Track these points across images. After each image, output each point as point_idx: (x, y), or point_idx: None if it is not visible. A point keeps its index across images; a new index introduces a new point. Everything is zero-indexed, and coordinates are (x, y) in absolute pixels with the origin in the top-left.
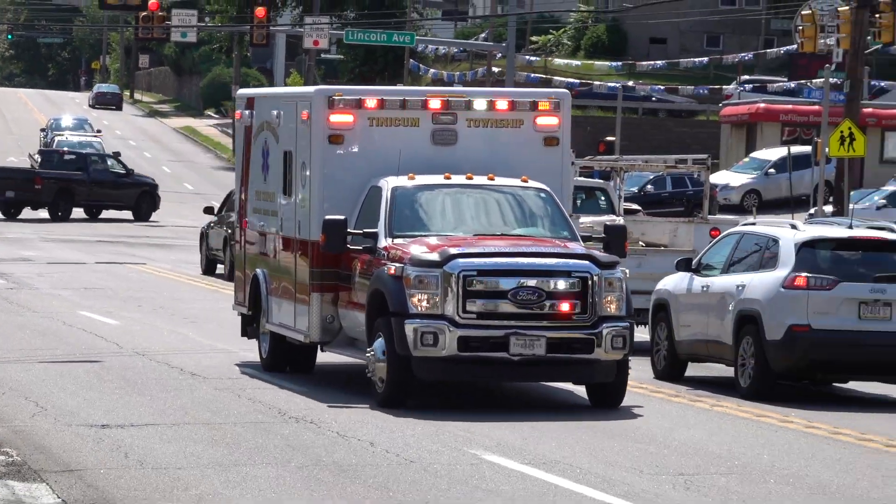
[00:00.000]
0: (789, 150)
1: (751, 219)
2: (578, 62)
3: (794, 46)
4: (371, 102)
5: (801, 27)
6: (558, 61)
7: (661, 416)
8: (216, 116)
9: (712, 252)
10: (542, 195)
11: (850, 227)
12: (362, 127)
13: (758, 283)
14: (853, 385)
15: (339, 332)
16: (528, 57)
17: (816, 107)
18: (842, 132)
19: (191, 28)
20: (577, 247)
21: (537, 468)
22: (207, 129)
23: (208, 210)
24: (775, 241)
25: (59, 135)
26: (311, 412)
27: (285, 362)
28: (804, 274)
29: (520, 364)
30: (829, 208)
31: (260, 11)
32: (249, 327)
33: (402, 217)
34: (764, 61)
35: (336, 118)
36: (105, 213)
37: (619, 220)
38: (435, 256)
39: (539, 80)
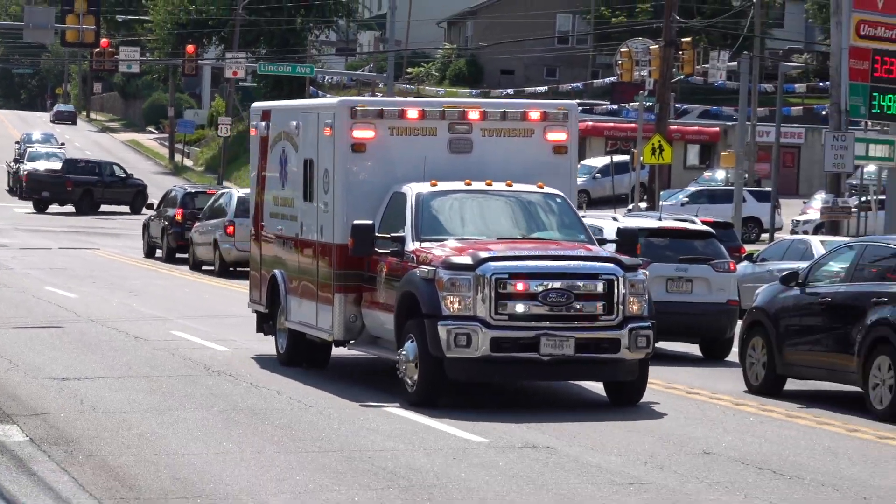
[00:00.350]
0: (612, 158)
1: (581, 213)
2: (444, 90)
3: (615, 77)
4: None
5: (620, 62)
6: (428, 89)
7: None
8: (156, 132)
9: None
10: (558, 200)
11: (660, 219)
12: (383, 136)
13: None
14: (661, 345)
15: (362, 331)
16: (404, 85)
17: (633, 124)
18: (653, 144)
19: (135, 61)
20: (601, 250)
21: (411, 411)
22: (149, 142)
23: (149, 206)
24: (600, 230)
25: (31, 146)
26: (231, 367)
27: (302, 358)
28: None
29: (549, 364)
30: (643, 205)
31: (190, 48)
32: (265, 324)
33: (427, 221)
34: (591, 89)
35: (359, 128)
36: (101, 208)
37: None
38: (467, 260)
39: None
